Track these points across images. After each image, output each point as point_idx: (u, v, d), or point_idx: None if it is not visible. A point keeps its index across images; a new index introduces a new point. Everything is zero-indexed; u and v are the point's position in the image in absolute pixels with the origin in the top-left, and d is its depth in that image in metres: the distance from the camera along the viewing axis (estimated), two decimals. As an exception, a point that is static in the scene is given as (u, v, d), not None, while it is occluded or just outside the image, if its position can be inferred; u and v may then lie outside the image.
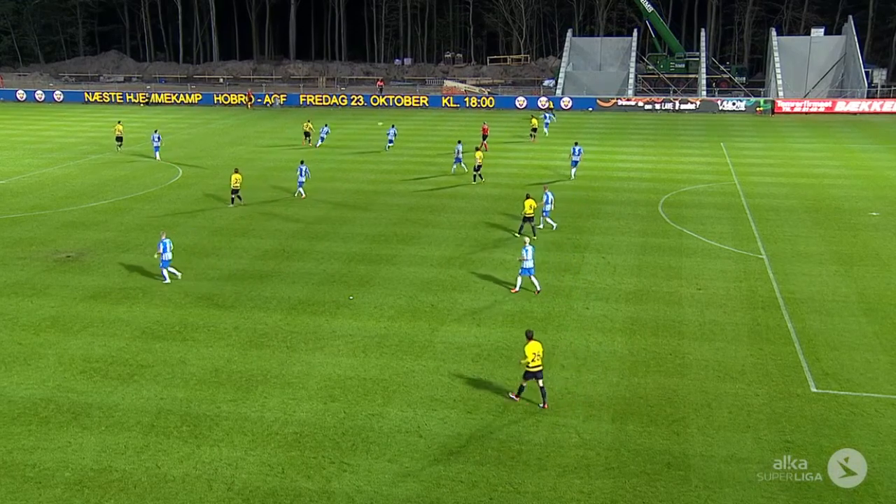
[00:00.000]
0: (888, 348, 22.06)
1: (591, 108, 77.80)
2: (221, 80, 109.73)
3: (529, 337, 19.06)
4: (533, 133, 59.28)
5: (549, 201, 34.07)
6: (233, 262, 30.20)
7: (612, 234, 33.74)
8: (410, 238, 33.37)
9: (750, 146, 56.03)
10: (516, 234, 33.34)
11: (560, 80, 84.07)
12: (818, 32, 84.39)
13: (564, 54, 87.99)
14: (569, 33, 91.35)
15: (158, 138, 52.91)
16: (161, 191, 42.84)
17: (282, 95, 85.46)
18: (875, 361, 21.28)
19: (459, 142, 48.58)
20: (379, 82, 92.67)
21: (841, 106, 73.77)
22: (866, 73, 78.36)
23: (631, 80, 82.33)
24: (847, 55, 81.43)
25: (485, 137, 56.44)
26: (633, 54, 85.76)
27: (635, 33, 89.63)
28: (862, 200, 39.14)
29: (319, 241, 32.93)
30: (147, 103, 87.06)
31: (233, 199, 38.98)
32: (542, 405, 19.12)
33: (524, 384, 19.34)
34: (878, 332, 23.20)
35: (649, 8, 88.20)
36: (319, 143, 57.81)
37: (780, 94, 77.32)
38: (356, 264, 29.94)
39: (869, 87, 77.42)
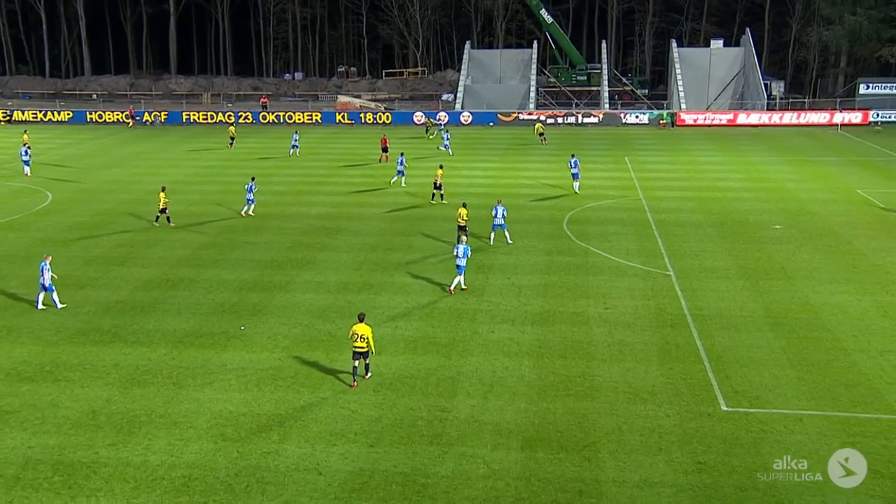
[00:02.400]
0: (795, 363, 23.16)
1: (491, 123, 79.10)
2: (95, 97, 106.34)
3: (360, 319, 21.68)
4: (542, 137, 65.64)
5: (501, 215, 34.65)
6: (111, 294, 29.18)
7: (517, 253, 34.29)
8: (305, 263, 33.05)
9: (654, 160, 58.11)
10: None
11: (459, 94, 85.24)
12: (717, 44, 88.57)
13: (463, 67, 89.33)
14: (467, 45, 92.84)
15: (26, 152, 50.87)
16: (28, 218, 41.06)
17: (163, 113, 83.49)
18: (783, 377, 22.30)
19: (402, 154, 50.25)
20: (263, 99, 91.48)
21: (742, 118, 77.47)
22: (765, 85, 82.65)
23: (532, 94, 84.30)
24: (746, 67, 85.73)
25: (385, 150, 56.88)
26: (534, 67, 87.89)
27: (535, 45, 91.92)
28: (765, 213, 41.11)
29: (207, 269, 32.21)
30: (9, 121, 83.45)
31: (157, 218, 38.81)
32: (351, 384, 21.72)
33: (354, 364, 21.76)
34: (784, 346, 24.34)
35: (549, 19, 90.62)
36: (293, 151, 60.37)
37: (683, 106, 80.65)
38: (247, 292, 29.42)
39: (768, 100, 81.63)
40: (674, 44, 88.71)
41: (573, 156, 47.57)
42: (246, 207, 41.18)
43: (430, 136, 64.32)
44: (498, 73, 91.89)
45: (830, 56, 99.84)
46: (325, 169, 55.15)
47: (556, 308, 27.64)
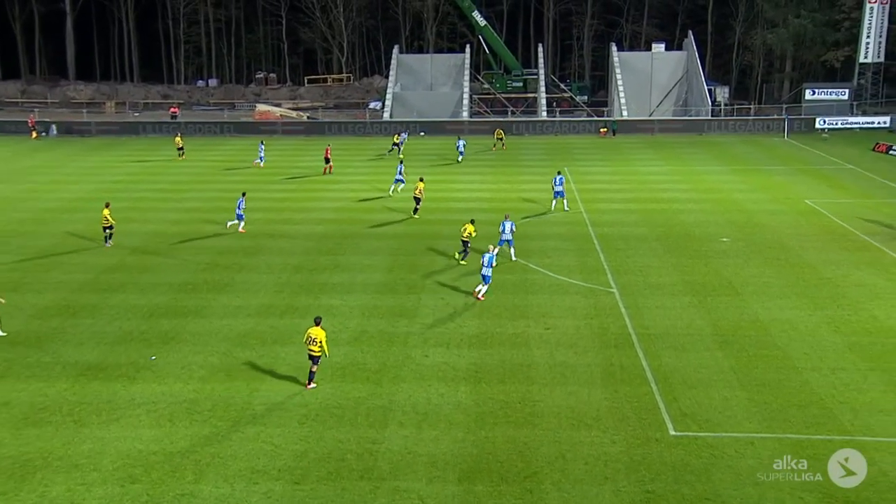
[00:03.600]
0: (745, 383, 23.71)
1: (423, 133, 79.40)
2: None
3: (316, 323, 23.19)
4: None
5: (510, 230, 35.26)
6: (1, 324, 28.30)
7: (450, 271, 34.41)
8: (222, 286, 32.62)
9: (595, 170, 59.04)
10: (460, 262, 35.27)
11: (387, 102, 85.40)
12: (659, 48, 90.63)
13: (391, 73, 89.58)
14: (395, 50, 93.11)
15: None
16: None
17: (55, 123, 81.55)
18: (733, 398, 22.80)
19: (401, 161, 52.02)
20: (172, 108, 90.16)
21: (686, 125, 79.34)
22: (709, 90, 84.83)
23: (465, 101, 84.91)
24: (689, 72, 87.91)
25: (327, 161, 57.27)
26: (467, 73, 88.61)
27: (468, 49, 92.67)
28: (712, 226, 42.10)
29: (113, 294, 31.53)
30: None
31: (106, 239, 38.39)
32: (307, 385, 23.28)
33: (312, 368, 23.22)
34: (734, 366, 24.90)
35: (482, 22, 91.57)
36: (259, 161, 60.52)
37: (624, 113, 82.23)
38: (158, 319, 28.88)
39: (712, 106, 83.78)
40: (614, 47, 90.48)
41: (559, 173, 47.30)
42: (235, 222, 41.15)
43: (389, 153, 64.23)
44: (429, 80, 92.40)
45: (775, 60, 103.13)
46: (243, 184, 54.52)
47: (494, 329, 27.79)
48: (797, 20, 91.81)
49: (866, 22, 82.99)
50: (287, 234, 40.84)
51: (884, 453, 19.88)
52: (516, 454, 19.99)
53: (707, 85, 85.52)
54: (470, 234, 35.20)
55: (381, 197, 49.57)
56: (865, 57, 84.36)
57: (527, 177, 56.37)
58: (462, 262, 35.25)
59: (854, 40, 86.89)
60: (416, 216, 43.92)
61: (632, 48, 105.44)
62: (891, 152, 64.90)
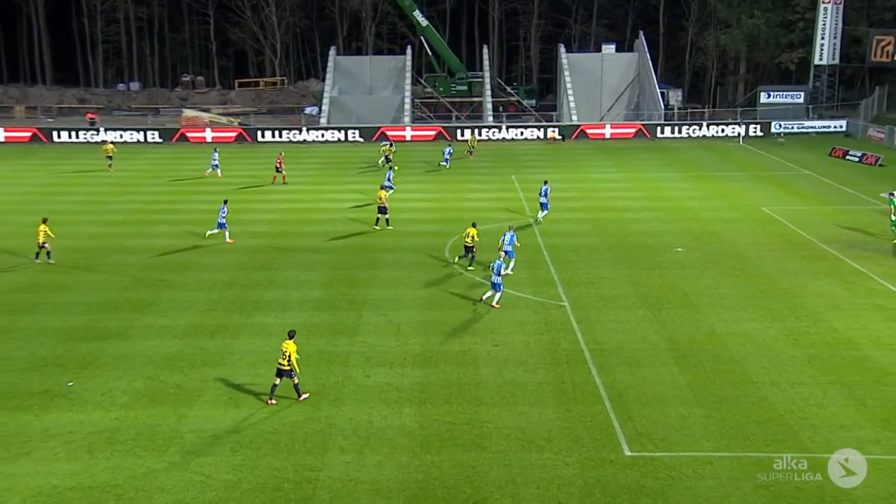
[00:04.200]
0: (703, 400, 24.06)
1: (362, 140, 79.32)
2: None
3: (290, 336, 23.72)
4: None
5: (510, 241, 35.75)
6: None
7: (394, 286, 34.41)
8: (147, 304, 32.16)
9: (545, 177, 59.41)
10: (466, 268, 36.37)
11: (324, 107, 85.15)
12: (609, 49, 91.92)
13: (328, 76, 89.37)
14: (332, 52, 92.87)
15: None
16: None
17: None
18: (690, 416, 23.12)
19: (391, 169, 53.39)
20: (89, 115, 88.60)
21: (639, 130, 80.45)
22: (662, 93, 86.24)
23: (407, 106, 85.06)
24: (641, 74, 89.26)
25: (278, 170, 56.96)
26: (409, 75, 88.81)
27: (409, 51, 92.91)
28: (666, 235, 42.71)
29: (24, 316, 30.87)
30: None
31: (37, 254, 37.63)
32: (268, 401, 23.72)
33: (275, 381, 23.57)
34: (691, 381, 25.25)
35: (424, 22, 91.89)
36: (211, 170, 59.49)
37: (574, 117, 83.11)
38: (76, 342, 28.34)
39: (665, 110, 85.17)
40: (562, 49, 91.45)
41: (545, 183, 47.26)
42: (215, 231, 41.43)
43: (387, 166, 62.94)
44: (368, 83, 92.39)
45: (729, 62, 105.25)
46: (169, 194, 53.90)
47: (440, 347, 27.82)
48: (751, 20, 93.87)
49: (820, 23, 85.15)
50: (217, 248, 40.41)
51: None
52: (464, 479, 20.00)
53: (659, 88, 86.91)
54: (473, 237, 36.34)
55: (319, 208, 49.35)
56: (820, 59, 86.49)
57: (472, 185, 56.59)
58: (469, 269, 36.26)
59: (809, 41, 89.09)
60: (387, 227, 44.07)
61: (581, 49, 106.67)
62: (847, 157, 66.59)
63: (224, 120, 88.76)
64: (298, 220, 45.92)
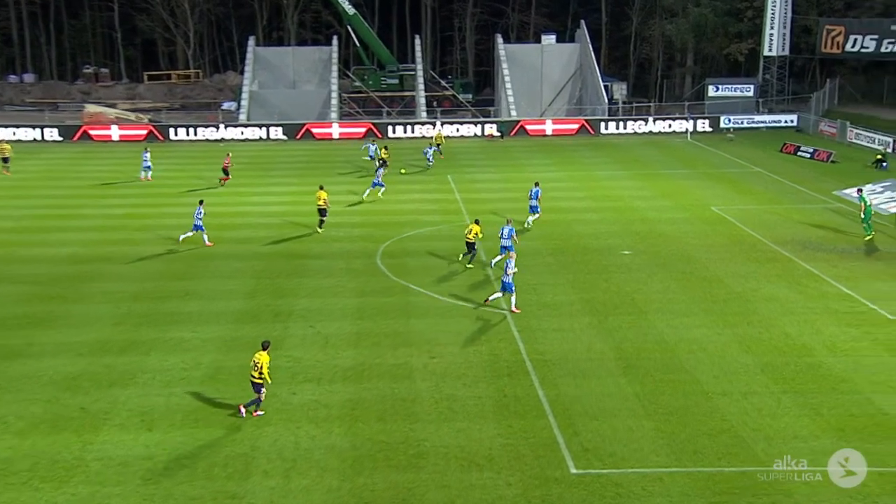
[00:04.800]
0: (651, 412, 24.38)
1: (285, 137, 78.87)
2: None
3: (263, 347, 24.08)
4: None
5: (508, 235, 37.08)
6: None
7: (322, 295, 34.27)
8: (47, 320, 31.56)
9: (482, 177, 59.82)
10: (467, 266, 37.63)
11: (243, 102, 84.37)
12: (549, 39, 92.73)
13: (247, 69, 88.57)
14: (250, 42, 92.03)
15: None
16: None
17: None
18: (639, 428, 23.41)
19: (380, 166, 53.88)
20: None
21: (582, 126, 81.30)
22: (605, 87, 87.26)
23: (334, 101, 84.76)
24: (583, 66, 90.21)
25: (226, 172, 56.29)
26: (335, 68, 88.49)
27: (336, 42, 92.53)
28: (612, 237, 43.21)
29: None
30: None
31: None
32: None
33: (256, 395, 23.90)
34: (639, 393, 25.56)
35: (351, 10, 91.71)
36: (145, 174, 58.12)
37: (513, 112, 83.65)
38: (-33, 362, 27.67)
39: (609, 104, 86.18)
40: (499, 39, 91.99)
41: (536, 184, 46.78)
42: (190, 234, 41.43)
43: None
44: (291, 76, 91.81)
45: (676, 53, 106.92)
46: (72, 198, 52.90)
47: (372, 360, 27.76)
48: (697, 9, 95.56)
49: (769, 12, 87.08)
50: (127, 256, 39.81)
51: (799, 484, 20.70)
52: (399, 502, 19.97)
53: (603, 81, 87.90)
54: (476, 234, 37.35)
55: (240, 212, 48.94)
56: (770, 50, 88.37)
57: (405, 186, 56.59)
58: (469, 266, 37.01)
59: (758, 32, 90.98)
60: (318, 229, 44.06)
61: (519, 40, 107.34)
62: (799, 153, 68.13)
63: (132, 116, 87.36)
64: (217, 226, 45.31)
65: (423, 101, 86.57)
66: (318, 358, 28.01)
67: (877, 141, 68.87)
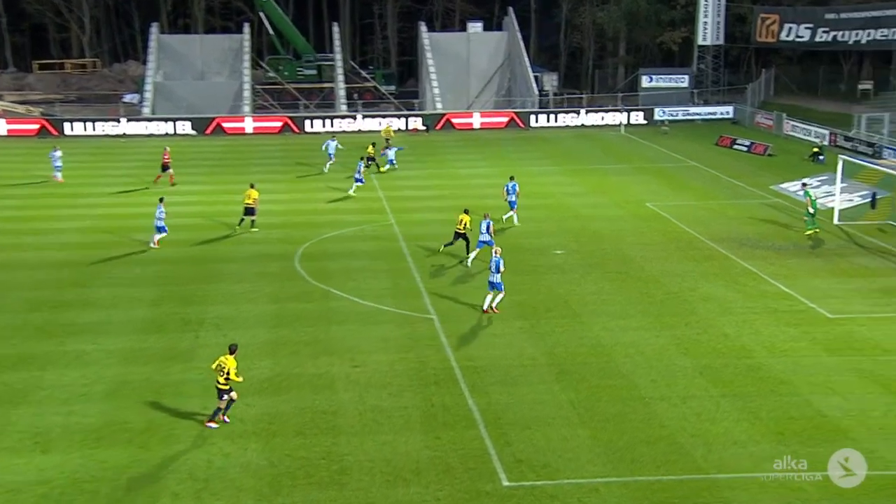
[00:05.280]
0: (587, 419, 24.57)
1: (194, 132, 77.88)
2: None
3: (230, 351, 23.99)
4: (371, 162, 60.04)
5: (487, 230, 37.77)
6: None
7: (235, 302, 33.95)
8: (-68, 332, 30.74)
9: (407, 174, 59.79)
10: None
11: (147, 95, 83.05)
12: (476, 28, 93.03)
13: (150, 58, 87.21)
14: (153, 29, 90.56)
15: None
16: None
17: None
18: (573, 437, 23.57)
19: (361, 159, 54.42)
20: None
21: (511, 119, 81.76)
22: (535, 77, 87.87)
23: (247, 93, 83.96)
24: (512, 56, 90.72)
25: (165, 169, 55.04)
26: (247, 58, 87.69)
27: (247, 29, 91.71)
28: (543, 236, 43.52)
29: None
30: None
31: None
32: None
33: (233, 398, 23.93)
34: (573, 400, 25.74)
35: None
36: (55, 175, 56.39)
37: (439, 105, 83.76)
38: None
39: (540, 96, 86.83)
40: (423, 27, 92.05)
41: (511, 179, 46.80)
42: (158, 236, 41.34)
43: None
44: (199, 67, 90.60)
45: (608, 42, 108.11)
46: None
47: (291, 370, 27.55)
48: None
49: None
50: (17, 262, 39.00)
51: (739, 491, 21.02)
52: (321, 523, 19.86)
53: (533, 71, 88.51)
54: (466, 225, 38.44)
55: (144, 213, 48.21)
56: (704, 39, 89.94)
57: (325, 184, 56.32)
58: (441, 251, 38.46)
59: (691, 20, 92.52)
60: (253, 229, 43.94)
61: (444, 28, 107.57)
62: (735, 146, 69.47)
63: (21, 109, 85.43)
64: (118, 228, 44.65)
65: (342, 93, 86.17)
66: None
67: (813, 133, 70.48)
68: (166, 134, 77.38)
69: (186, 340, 30.01)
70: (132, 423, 24.14)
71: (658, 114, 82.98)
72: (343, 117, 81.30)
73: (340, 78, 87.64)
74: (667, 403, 25.49)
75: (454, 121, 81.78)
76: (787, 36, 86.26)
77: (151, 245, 41.21)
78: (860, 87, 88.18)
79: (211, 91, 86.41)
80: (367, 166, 56.71)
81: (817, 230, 42.80)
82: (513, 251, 40.63)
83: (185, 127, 78.25)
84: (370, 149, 59.91)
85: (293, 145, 73.10)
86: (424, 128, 79.45)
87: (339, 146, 61.65)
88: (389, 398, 25.76)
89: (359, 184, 52.89)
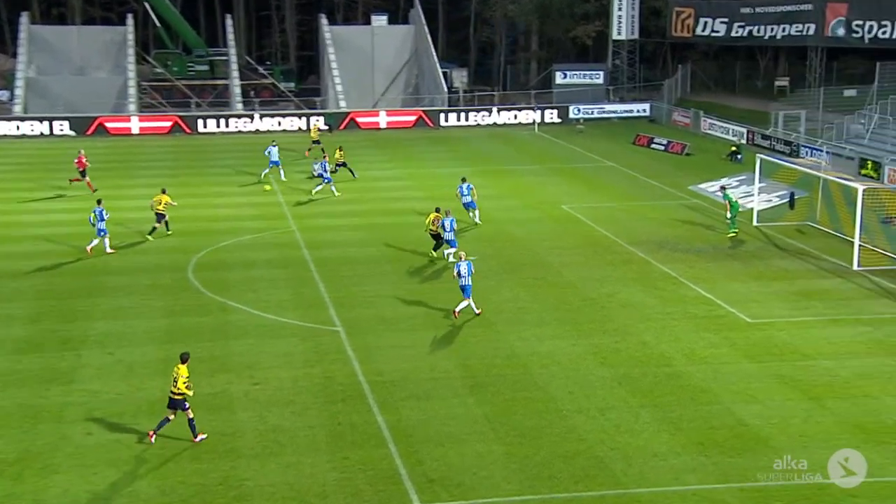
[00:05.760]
0: (503, 434, 24.68)
1: (73, 133, 76.28)
2: None
3: (182, 360, 24.05)
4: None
5: (451, 228, 38.93)
6: None
7: (123, 317, 33.46)
8: None
9: (309, 179, 59.44)
10: (432, 257, 39.90)
11: (18, 91, 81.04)
12: (381, 21, 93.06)
13: (21, 51, 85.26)
14: (23, 19, 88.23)
15: None
16: None
17: None
18: (489, 454, 23.64)
19: (325, 158, 54.68)
20: None
21: (419, 117, 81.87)
22: (444, 74, 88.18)
23: (132, 90, 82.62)
24: (419, 51, 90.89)
25: (83, 173, 53.61)
26: (132, 52, 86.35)
27: (131, 21, 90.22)
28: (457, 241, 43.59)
29: None
30: None
31: None
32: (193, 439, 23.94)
33: (167, 415, 23.85)
34: (489, 414, 25.84)
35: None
36: None
37: (342, 103, 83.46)
38: None
39: (449, 93, 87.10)
40: (324, 20, 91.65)
41: (464, 180, 46.53)
42: (97, 242, 41.15)
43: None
44: (77, 61, 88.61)
45: (520, 37, 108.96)
46: None
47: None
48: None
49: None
50: None
51: (656, 508, 21.43)
52: (220, 553, 19.63)
53: (441, 67, 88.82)
54: (435, 222, 39.67)
55: (18, 222, 47.19)
56: (619, 33, 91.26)
57: (219, 188, 55.74)
58: (434, 253, 38.30)
59: (605, 13, 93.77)
60: (150, 237, 43.61)
61: (347, 21, 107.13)
62: (653, 145, 70.68)
63: None
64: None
65: (238, 90, 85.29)
66: (119, 390, 27.22)
67: (731, 132, 72.13)
68: (41, 134, 75.67)
69: (67, 360, 29.40)
70: (4, 453, 23.48)
71: (573, 111, 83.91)
72: (239, 117, 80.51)
73: (235, 74, 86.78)
74: (585, 416, 25.75)
75: (359, 120, 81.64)
76: (703, 30, 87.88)
77: (108, 251, 41.30)
78: (777, 83, 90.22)
79: (92, 88, 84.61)
80: (334, 171, 55.95)
81: (737, 231, 43.74)
82: (423, 258, 40.74)
83: (62, 127, 76.55)
84: (338, 154, 58.97)
85: (185, 147, 72.25)
86: (327, 127, 78.94)
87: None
88: (293, 417, 25.57)
89: (327, 182, 53.17)
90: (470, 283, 32.97)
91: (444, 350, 30.48)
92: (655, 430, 24.93)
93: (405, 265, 39.88)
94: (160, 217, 43.67)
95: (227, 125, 79.14)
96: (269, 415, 25.70)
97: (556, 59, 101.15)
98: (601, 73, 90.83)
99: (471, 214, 46.55)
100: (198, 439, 24.00)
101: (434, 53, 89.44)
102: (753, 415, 25.71)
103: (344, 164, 58.33)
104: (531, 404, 26.45)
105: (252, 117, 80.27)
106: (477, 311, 33.39)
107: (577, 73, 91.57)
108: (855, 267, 39.19)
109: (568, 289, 36.80)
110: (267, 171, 57.87)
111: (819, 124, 67.00)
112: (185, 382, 23.68)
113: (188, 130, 77.90)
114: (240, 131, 78.42)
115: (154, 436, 23.85)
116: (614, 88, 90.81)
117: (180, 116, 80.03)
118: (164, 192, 44.58)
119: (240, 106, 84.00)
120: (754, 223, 46.36)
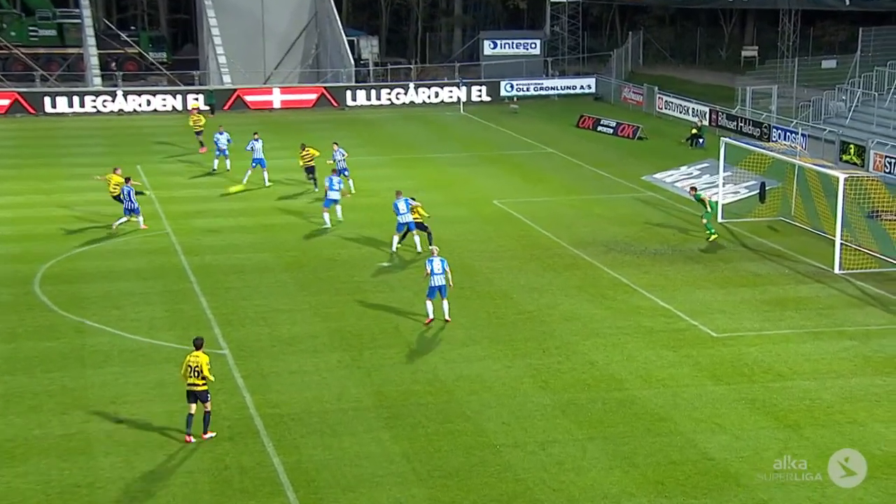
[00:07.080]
0: (425, 476, 24.42)
1: (18, 115, 75.05)
2: None
3: (197, 346, 25.83)
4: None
5: (407, 209, 41.11)
6: None
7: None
8: None
9: (182, 169, 58.97)
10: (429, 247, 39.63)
11: None
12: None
13: None
14: None
15: None
16: None
17: None
18: (408, 499, 23.37)
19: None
20: None
21: (321, 96, 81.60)
22: (350, 44, 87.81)
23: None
24: (320, 16, 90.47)
25: None
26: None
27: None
28: (367, 244, 43.62)
29: None
30: None
31: None
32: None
33: (190, 411, 25.38)
34: (408, 451, 25.61)
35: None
36: None
37: (226, 79, 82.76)
38: None
39: (357, 67, 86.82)
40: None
41: (399, 194, 42.52)
42: (125, 220, 44.50)
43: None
44: None
45: (441, 1, 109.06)
46: None
47: (30, 432, 26.64)
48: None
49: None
50: None
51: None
52: None
53: (347, 36, 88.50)
54: (420, 214, 41.53)
55: None
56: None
57: (77, 182, 54.95)
58: (431, 248, 37.45)
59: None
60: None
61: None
62: (599, 128, 71.23)
63: None
64: None
65: (94, 61, 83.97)
66: (-49, 431, 26.73)
67: (691, 111, 72.84)
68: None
69: None
70: None
71: (504, 88, 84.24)
72: (97, 94, 79.18)
73: (91, 42, 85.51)
74: (522, 451, 25.75)
75: (247, 98, 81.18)
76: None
77: (141, 227, 45.02)
78: (744, 53, 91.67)
79: None
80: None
81: (716, 234, 43.86)
82: (327, 265, 40.73)
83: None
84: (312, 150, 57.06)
85: (28, 131, 71.31)
86: (208, 108, 78.32)
87: (230, 140, 58.16)
88: (167, 461, 25.21)
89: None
90: (444, 282, 33.69)
91: (353, 375, 30.31)
92: (606, 466, 24.98)
93: (306, 273, 39.73)
94: (118, 199, 44.86)
95: (81, 104, 77.81)
96: (137, 460, 25.24)
97: (483, 25, 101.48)
98: (537, 42, 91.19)
99: (332, 212, 46.34)
100: (207, 436, 25.63)
101: (338, 18, 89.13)
102: (721, 447, 25.87)
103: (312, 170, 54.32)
104: (459, 438, 26.39)
105: (114, 95, 79.06)
106: (447, 319, 34.42)
107: (508, 42, 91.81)
108: (836, 270, 39.89)
109: (501, 300, 36.90)
110: (218, 162, 58.23)
111: (793, 101, 68.03)
112: (208, 369, 25.48)
113: (32, 110, 76.49)
114: (98, 112, 77.33)
115: (191, 438, 25.70)
116: (553, 60, 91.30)
117: (21, 93, 78.47)
118: (115, 171, 46.62)
119: (97, 81, 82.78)
120: (719, 219, 46.81)
